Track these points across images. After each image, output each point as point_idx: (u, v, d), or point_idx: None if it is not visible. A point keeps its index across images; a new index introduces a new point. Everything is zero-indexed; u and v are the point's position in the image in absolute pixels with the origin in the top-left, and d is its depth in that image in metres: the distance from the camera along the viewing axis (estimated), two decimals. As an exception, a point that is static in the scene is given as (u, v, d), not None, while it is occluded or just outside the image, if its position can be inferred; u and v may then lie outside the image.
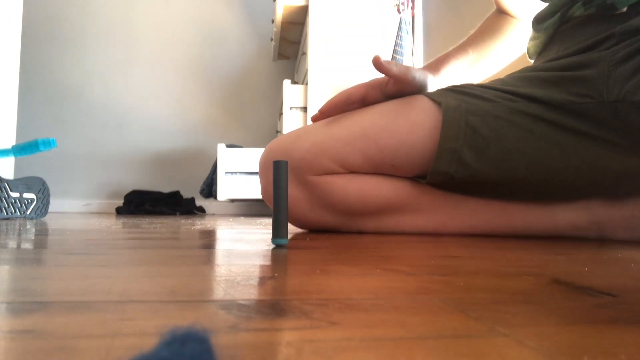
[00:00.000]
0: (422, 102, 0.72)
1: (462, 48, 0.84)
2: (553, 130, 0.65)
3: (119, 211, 2.41)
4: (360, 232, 0.76)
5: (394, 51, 1.92)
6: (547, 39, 0.74)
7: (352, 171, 0.73)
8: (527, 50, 0.81)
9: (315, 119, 0.77)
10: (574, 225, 0.69)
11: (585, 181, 0.66)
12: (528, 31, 0.85)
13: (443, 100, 0.70)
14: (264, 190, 0.78)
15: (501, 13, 0.88)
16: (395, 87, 0.74)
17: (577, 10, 0.67)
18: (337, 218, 0.75)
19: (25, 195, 1.29)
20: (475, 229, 0.73)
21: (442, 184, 0.71)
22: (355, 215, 0.74)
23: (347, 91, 0.75)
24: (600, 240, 0.68)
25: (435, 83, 0.79)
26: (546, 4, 0.75)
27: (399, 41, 1.93)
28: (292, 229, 0.85)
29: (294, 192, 0.73)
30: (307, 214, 0.75)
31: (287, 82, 2.05)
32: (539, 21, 0.75)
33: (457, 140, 0.67)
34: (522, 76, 0.72)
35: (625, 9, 0.62)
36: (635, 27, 0.60)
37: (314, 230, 0.79)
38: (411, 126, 0.70)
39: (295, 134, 0.76)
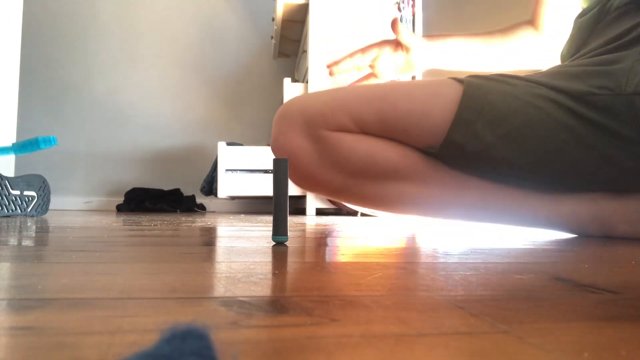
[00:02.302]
0: (445, 79, 0.74)
1: (471, 34, 0.87)
2: (569, 117, 0.65)
3: (120, 209, 2.41)
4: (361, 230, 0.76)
5: (395, 49, 1.91)
6: (583, 38, 0.75)
7: (364, 132, 0.73)
8: (561, 54, 0.82)
9: (329, 65, 0.85)
10: (577, 216, 0.69)
11: (595, 171, 0.66)
12: (543, 50, 0.87)
13: (466, 79, 0.71)
14: (274, 140, 0.77)
15: (526, 24, 0.89)
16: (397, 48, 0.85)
17: (616, 1, 0.69)
18: (341, 178, 0.74)
19: (26, 192, 1.29)
20: (477, 212, 0.72)
21: (452, 157, 0.71)
22: (360, 176, 0.73)
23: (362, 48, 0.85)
24: (601, 235, 0.68)
25: (427, 49, 0.85)
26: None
27: (399, 39, 1.92)
28: (292, 227, 0.85)
29: (304, 145, 0.73)
30: (313, 170, 0.74)
31: (287, 80, 2.04)
32: (580, 15, 0.76)
33: (474, 113, 0.67)
34: (547, 72, 0.73)
35: None
36: None
37: (316, 193, 0.79)
38: (432, 94, 0.71)
39: (316, 91, 0.79)
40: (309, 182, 0.76)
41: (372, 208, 0.77)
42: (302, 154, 0.73)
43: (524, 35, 0.87)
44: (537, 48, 0.88)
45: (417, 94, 0.71)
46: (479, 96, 0.68)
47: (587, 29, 0.74)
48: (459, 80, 0.72)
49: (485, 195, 0.72)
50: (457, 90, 0.70)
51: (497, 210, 0.72)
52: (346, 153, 0.72)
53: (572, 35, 0.78)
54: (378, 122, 0.72)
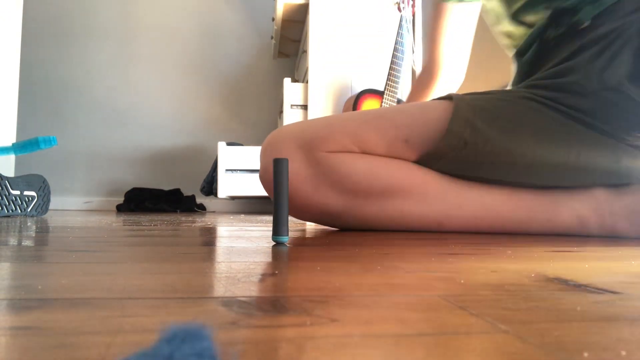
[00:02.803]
0: (432, 101, 0.79)
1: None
2: (550, 109, 0.71)
3: (120, 209, 2.41)
4: (362, 230, 0.76)
5: (395, 49, 1.91)
6: (529, 67, 0.81)
7: (364, 150, 0.74)
8: (512, 83, 0.87)
9: None
10: (577, 215, 0.70)
11: (586, 164, 0.70)
12: (448, 81, 0.98)
13: (453, 95, 0.76)
14: (263, 171, 0.76)
15: (425, 75, 0.99)
16: None
17: (552, 33, 0.75)
18: (341, 199, 0.73)
19: (26, 192, 1.29)
20: (479, 221, 0.73)
21: (454, 156, 0.72)
22: (361, 195, 0.73)
23: None
24: (601, 235, 0.69)
25: None
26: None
27: (399, 39, 1.92)
28: (292, 226, 0.85)
29: (300, 169, 0.72)
30: (311, 194, 0.73)
31: (287, 80, 2.04)
32: (522, 54, 0.82)
33: (469, 112, 0.72)
34: (514, 89, 0.79)
35: (589, 22, 0.70)
36: (599, 35, 0.69)
37: (315, 222, 0.78)
38: (425, 107, 0.76)
39: (310, 119, 0.80)
40: (306, 207, 0.74)
41: (372, 227, 0.76)
42: (299, 179, 0.72)
43: (431, 86, 0.98)
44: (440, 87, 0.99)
45: (411, 110, 0.76)
46: (469, 103, 0.74)
47: (533, 63, 0.80)
48: (446, 97, 0.77)
49: (485, 202, 0.72)
50: (447, 104, 0.75)
51: (497, 216, 0.72)
52: (345, 171, 0.72)
53: (517, 72, 0.84)
54: (379, 138, 0.73)
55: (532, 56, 0.79)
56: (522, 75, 0.81)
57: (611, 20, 0.68)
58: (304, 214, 0.76)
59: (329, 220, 0.76)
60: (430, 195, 0.73)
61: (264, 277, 0.29)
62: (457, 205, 0.73)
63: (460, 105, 0.73)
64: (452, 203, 0.73)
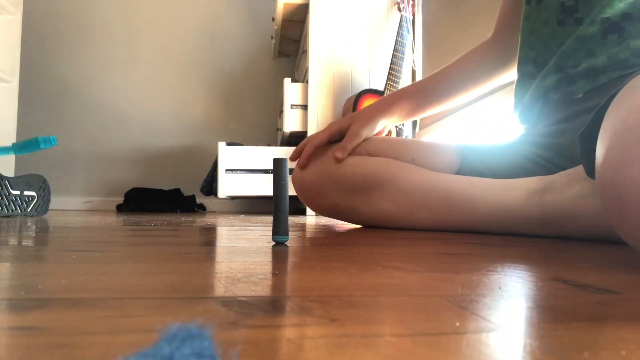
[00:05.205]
0: (444, 143, 0.95)
1: (419, 89, 0.99)
2: (541, 168, 0.84)
3: (120, 209, 2.41)
4: (363, 229, 0.76)
5: (395, 49, 1.91)
6: (535, 116, 0.92)
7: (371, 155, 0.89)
8: (524, 126, 0.97)
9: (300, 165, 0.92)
10: (544, 217, 0.70)
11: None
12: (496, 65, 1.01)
13: (459, 146, 0.92)
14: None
15: (490, 52, 1.01)
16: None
17: (553, 96, 0.87)
18: (335, 191, 0.87)
19: (26, 192, 1.29)
20: (447, 215, 0.79)
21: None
22: (349, 188, 0.86)
23: (312, 138, 0.91)
24: (552, 235, 0.68)
25: (386, 122, 0.95)
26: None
27: (399, 39, 1.92)
28: (292, 226, 0.85)
29: (314, 176, 0.88)
30: (317, 190, 0.88)
31: (287, 80, 2.04)
32: (527, 108, 0.92)
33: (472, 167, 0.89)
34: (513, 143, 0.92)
35: (581, 95, 0.81)
36: (586, 108, 0.79)
37: (325, 213, 0.90)
38: (436, 148, 0.90)
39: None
40: (315, 201, 0.90)
41: (366, 222, 0.88)
42: (312, 182, 0.89)
43: (480, 83, 1.02)
44: (488, 68, 1.01)
45: (424, 143, 0.91)
46: (474, 159, 0.89)
47: (538, 117, 0.89)
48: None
49: (452, 188, 0.80)
50: (456, 154, 0.90)
51: (463, 202, 0.78)
52: (336, 167, 0.86)
53: (525, 119, 0.93)
54: (388, 148, 0.88)
55: (540, 110, 0.89)
56: (527, 119, 0.92)
57: (602, 96, 0.74)
58: (314, 206, 0.91)
59: (334, 213, 0.90)
60: (402, 185, 0.83)
61: (263, 277, 0.29)
62: (425, 194, 0.82)
63: (464, 166, 0.88)
64: (421, 194, 0.82)
